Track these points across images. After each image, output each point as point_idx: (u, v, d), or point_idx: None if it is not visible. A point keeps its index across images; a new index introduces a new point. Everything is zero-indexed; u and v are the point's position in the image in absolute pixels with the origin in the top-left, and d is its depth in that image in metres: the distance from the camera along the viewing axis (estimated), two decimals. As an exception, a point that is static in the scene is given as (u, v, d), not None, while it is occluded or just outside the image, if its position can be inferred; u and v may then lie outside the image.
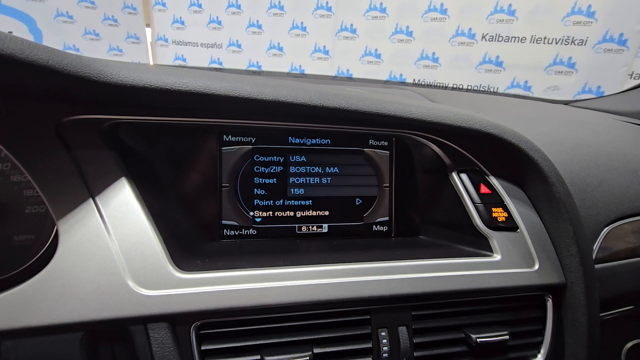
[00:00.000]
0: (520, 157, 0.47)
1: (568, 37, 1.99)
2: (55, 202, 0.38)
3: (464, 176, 0.50)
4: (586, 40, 1.96)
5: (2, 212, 0.46)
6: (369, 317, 0.42)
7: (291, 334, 0.41)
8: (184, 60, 2.84)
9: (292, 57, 2.60)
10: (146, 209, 0.40)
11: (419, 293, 0.42)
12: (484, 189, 0.49)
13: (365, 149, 0.56)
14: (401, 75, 2.43)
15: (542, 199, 0.48)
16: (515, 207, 0.48)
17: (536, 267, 0.46)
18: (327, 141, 0.55)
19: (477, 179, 0.50)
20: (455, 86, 2.34)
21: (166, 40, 2.82)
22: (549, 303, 0.48)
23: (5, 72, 0.32)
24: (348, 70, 2.53)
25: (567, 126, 0.71)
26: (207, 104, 0.42)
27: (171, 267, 0.38)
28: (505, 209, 0.48)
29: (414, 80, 2.39)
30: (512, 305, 0.47)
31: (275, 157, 0.53)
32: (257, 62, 2.68)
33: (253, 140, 0.53)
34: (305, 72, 2.61)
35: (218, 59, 2.74)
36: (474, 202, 0.48)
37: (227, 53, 2.72)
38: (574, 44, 1.99)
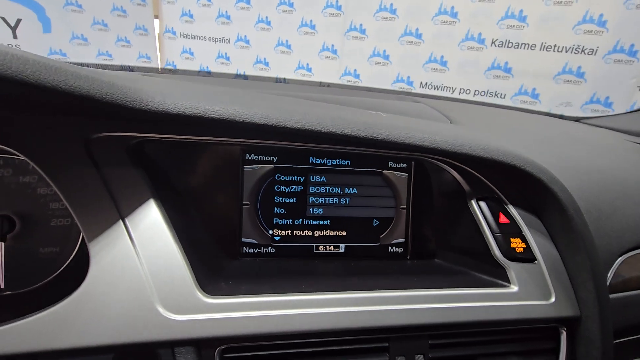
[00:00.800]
0: (540, 188, 0.48)
1: (578, 45, 1.98)
2: (86, 223, 0.38)
3: (483, 204, 0.50)
4: (596, 49, 1.94)
5: (30, 225, 0.47)
6: (387, 344, 0.43)
7: (312, 359, 0.42)
8: (192, 54, 2.83)
9: (299, 55, 2.59)
10: (173, 230, 0.41)
11: (437, 323, 0.43)
12: (502, 219, 0.50)
13: (384, 171, 0.56)
14: (408, 77, 2.43)
15: (560, 230, 0.49)
16: (534, 238, 0.49)
17: (552, 299, 0.47)
18: (347, 162, 0.55)
19: (496, 208, 0.50)
20: (462, 90, 2.34)
21: (174, 33, 2.80)
22: (563, 335, 0.48)
23: (47, 101, 0.33)
24: (355, 70, 2.52)
25: (581, 148, 0.72)
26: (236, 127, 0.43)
27: (198, 292, 0.38)
28: (524, 239, 0.49)
29: (421, 83, 2.38)
30: (527, 335, 0.48)
31: (296, 177, 0.54)
32: (265, 59, 2.66)
33: (275, 160, 0.53)
34: (313, 70, 2.60)
35: (225, 53, 2.73)
36: (492, 232, 0.49)
37: (234, 48, 2.71)
38: (584, 53, 1.98)
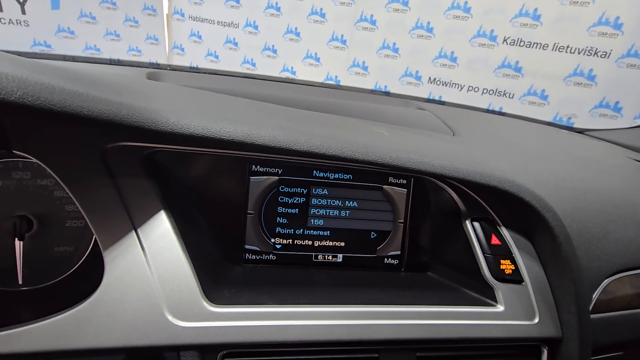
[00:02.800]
0: (533, 214, 0.50)
1: (591, 47, 1.95)
2: (101, 232, 0.41)
3: (477, 225, 0.53)
4: (610, 52, 1.92)
5: (46, 225, 0.50)
6: (377, 355, 0.46)
7: (306, 367, 0.45)
8: (199, 37, 2.81)
9: (308, 44, 2.57)
10: (182, 241, 0.43)
11: (425, 338, 0.46)
12: (494, 240, 0.52)
13: (384, 186, 0.59)
14: (417, 72, 2.41)
15: (549, 255, 0.51)
16: (523, 260, 0.51)
17: (536, 320, 0.50)
18: (349, 176, 0.57)
19: (489, 229, 0.52)
20: (471, 88, 2.32)
21: (183, 15, 2.78)
22: (544, 354, 0.51)
23: (69, 125, 0.35)
24: (364, 62, 2.50)
25: (581, 166, 0.73)
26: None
27: (203, 301, 0.41)
28: (513, 261, 0.51)
29: (430, 78, 2.37)
30: (510, 352, 0.51)
31: (299, 189, 0.56)
32: (273, 46, 2.65)
33: (280, 172, 0.55)
34: (321, 60, 2.58)
35: (234, 38, 2.71)
36: (484, 253, 0.51)
37: (243, 34, 2.69)
38: (597, 56, 1.95)
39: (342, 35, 2.53)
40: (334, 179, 0.57)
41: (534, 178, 0.55)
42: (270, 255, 0.56)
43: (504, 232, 0.52)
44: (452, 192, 0.54)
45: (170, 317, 0.40)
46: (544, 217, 0.49)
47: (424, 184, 0.59)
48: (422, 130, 0.71)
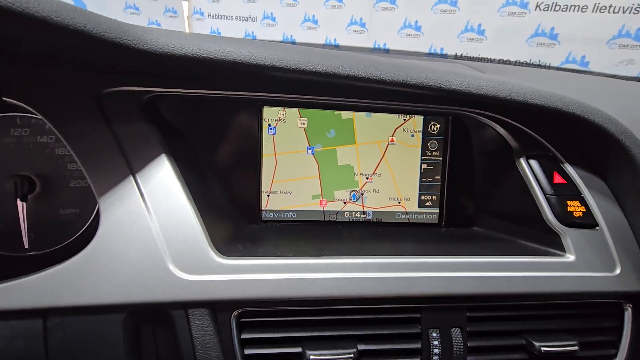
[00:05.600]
0: (606, 142, 0.41)
1: (639, 4, 1.75)
2: (96, 178, 0.36)
3: (533, 162, 0.44)
4: (661, 7, 1.71)
5: (49, 186, 0.46)
6: (419, 315, 0.39)
7: (335, 328, 0.38)
8: (219, 34, 2.81)
9: (326, 31, 2.50)
10: (186, 188, 0.38)
11: (478, 294, 0.38)
12: (557, 179, 0.43)
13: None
14: (442, 49, 2.27)
15: (629, 192, 0.41)
16: (595, 200, 0.42)
17: (617, 271, 0.40)
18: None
19: (550, 167, 0.43)
20: (502, 61, 2.16)
21: (202, 14, 2.79)
22: (628, 313, 0.42)
23: (41, 37, 0.30)
24: (385, 44, 2.40)
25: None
26: (252, 74, 0.39)
27: (212, 252, 0.35)
28: (583, 202, 0.42)
29: (456, 54, 2.23)
30: (582, 312, 0.42)
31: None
32: (291, 36, 2.60)
33: (296, 117, 0.49)
34: (340, 45, 2.51)
35: (252, 32, 2.69)
36: (545, 193, 0.42)
37: (261, 26, 2.66)
38: (646, 13, 1.74)
39: (361, 19, 2.44)
40: (358, 123, 0.50)
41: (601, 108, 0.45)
42: (291, 213, 0.50)
43: (569, 169, 0.43)
44: (500, 127, 0.45)
45: (174, 270, 0.34)
46: (623, 143, 0.39)
47: (463, 124, 0.51)
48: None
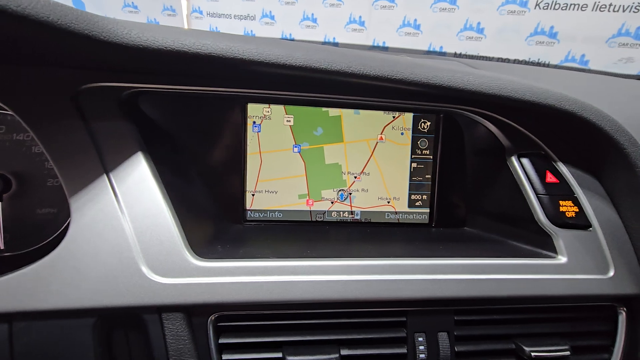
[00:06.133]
0: (600, 141, 0.39)
1: (639, 3, 1.73)
2: (68, 177, 0.35)
3: (525, 161, 0.42)
4: (661, 5, 1.69)
5: (26, 185, 0.45)
6: (404, 319, 0.37)
7: (317, 332, 0.37)
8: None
9: (325, 29, 2.48)
10: (163, 188, 0.37)
11: (466, 297, 0.36)
12: (550, 178, 0.41)
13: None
14: (441, 47, 2.26)
15: (624, 192, 0.40)
16: (589, 200, 0.40)
17: (610, 273, 0.39)
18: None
19: (542, 166, 0.42)
20: (501, 59, 2.14)
21: (201, 12, 2.78)
22: (622, 316, 0.40)
23: (3, 29, 0.28)
24: (384, 42, 2.38)
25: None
26: (232, 69, 0.37)
27: (188, 254, 0.34)
28: (576, 202, 0.40)
29: (455, 53, 2.21)
30: (574, 315, 0.40)
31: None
32: (290, 34, 2.58)
33: (281, 114, 0.47)
34: (339, 44, 2.49)
35: (251, 31, 2.68)
36: (537, 193, 0.41)
37: (260, 25, 2.64)
38: (646, 12, 1.73)
39: (360, 17, 2.43)
40: (346, 120, 0.48)
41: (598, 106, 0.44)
42: (277, 213, 0.49)
43: (562, 168, 0.42)
44: (491, 125, 0.44)
45: (147, 272, 0.33)
46: (618, 142, 0.37)
47: (455, 121, 0.49)
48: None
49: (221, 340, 0.35)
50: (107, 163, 0.36)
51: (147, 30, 0.32)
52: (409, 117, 0.49)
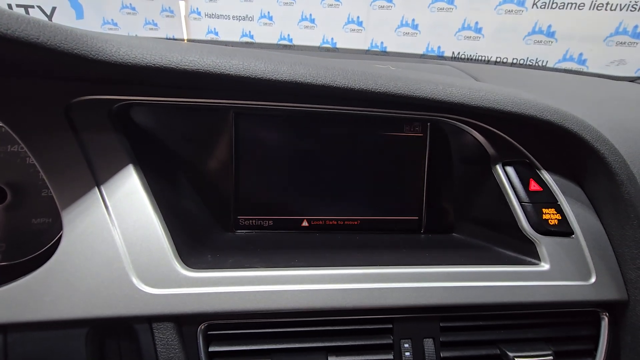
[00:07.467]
0: (582, 149, 0.40)
1: (636, 2, 1.73)
2: (59, 190, 0.36)
3: (509, 169, 0.43)
4: (658, 4, 1.70)
5: (21, 195, 0.46)
6: (391, 326, 0.38)
7: (305, 340, 0.38)
8: (216, 34, 2.81)
9: (324, 30, 2.49)
10: (153, 199, 0.37)
11: (450, 304, 0.37)
12: (533, 186, 0.42)
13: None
14: (439, 47, 2.26)
15: (606, 200, 0.41)
16: (572, 208, 0.41)
17: (592, 280, 0.39)
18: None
19: (526, 174, 0.43)
20: (499, 59, 2.15)
21: (199, 14, 2.79)
22: (604, 322, 0.41)
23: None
24: (382, 42, 2.39)
25: (636, 108, 0.61)
26: (220, 83, 0.38)
27: (177, 265, 0.35)
28: (559, 210, 0.41)
29: (453, 53, 2.21)
30: (558, 320, 0.41)
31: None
32: (289, 35, 2.59)
33: (271, 125, 0.48)
34: (337, 45, 2.50)
35: (249, 31, 2.69)
36: (520, 201, 0.42)
37: (258, 26, 2.66)
38: (642, 10, 1.73)
39: (358, 17, 2.43)
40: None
41: (581, 115, 0.45)
42: (267, 221, 0.49)
43: (545, 175, 0.42)
44: (477, 133, 0.45)
45: (138, 283, 0.34)
46: (598, 151, 0.38)
47: (442, 130, 0.50)
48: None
49: (211, 349, 0.36)
50: (98, 175, 0.37)
51: (136, 47, 0.33)
52: (397, 125, 0.50)
